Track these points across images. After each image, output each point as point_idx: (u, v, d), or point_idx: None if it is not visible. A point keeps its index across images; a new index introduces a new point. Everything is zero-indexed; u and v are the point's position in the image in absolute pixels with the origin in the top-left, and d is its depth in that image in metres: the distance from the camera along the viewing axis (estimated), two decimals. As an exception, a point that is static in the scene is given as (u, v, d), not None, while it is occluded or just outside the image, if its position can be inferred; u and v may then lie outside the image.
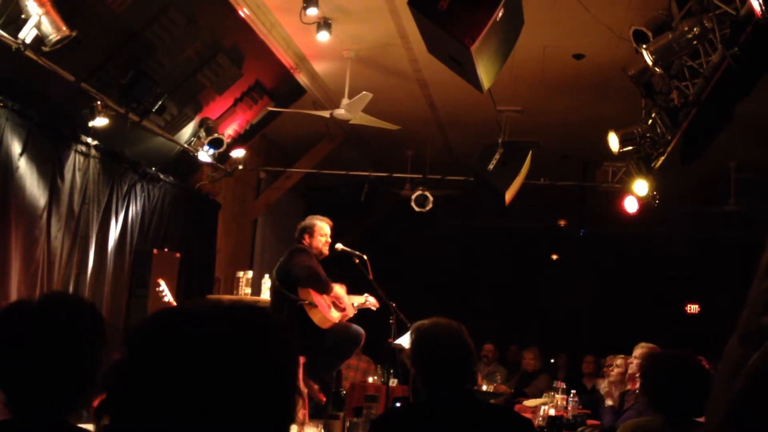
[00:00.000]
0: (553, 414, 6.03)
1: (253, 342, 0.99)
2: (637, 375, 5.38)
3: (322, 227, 6.00)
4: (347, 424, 5.29)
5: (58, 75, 5.38)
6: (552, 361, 10.09)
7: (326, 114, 7.02)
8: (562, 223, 12.61)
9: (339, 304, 5.91)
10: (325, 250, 6.01)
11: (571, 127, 8.52)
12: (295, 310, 5.59)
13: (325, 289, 5.74)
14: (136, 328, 1.03)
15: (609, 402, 5.75)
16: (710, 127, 5.85)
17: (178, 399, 0.93)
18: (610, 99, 7.39)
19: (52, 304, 1.91)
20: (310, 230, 5.98)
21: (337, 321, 5.77)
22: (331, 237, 6.06)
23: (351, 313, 6.05)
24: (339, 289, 5.93)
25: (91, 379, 1.83)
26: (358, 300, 6.15)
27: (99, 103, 5.80)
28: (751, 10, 4.09)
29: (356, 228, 10.89)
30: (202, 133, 7.26)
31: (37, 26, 4.77)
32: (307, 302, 5.62)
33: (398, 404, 5.44)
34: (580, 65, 6.87)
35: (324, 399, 5.68)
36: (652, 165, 7.11)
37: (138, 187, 6.94)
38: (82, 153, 6.13)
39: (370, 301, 6.21)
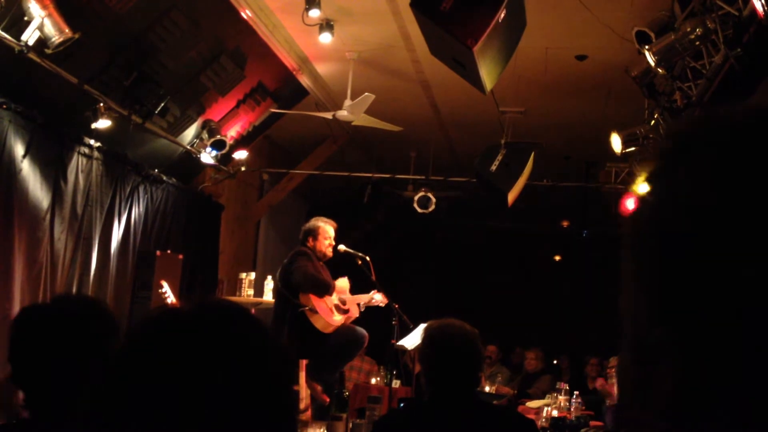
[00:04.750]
0: (557, 415, 6.02)
1: (230, 343, 0.96)
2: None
3: (327, 230, 5.98)
4: (350, 425, 5.28)
5: (61, 77, 5.39)
6: (555, 362, 10.08)
7: (329, 115, 7.02)
8: (565, 224, 12.60)
9: (342, 306, 5.89)
10: (329, 253, 5.99)
11: (574, 128, 8.51)
12: (297, 315, 5.59)
13: (324, 293, 5.72)
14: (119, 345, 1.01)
15: (609, 401, 5.75)
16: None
17: (164, 405, 0.91)
18: (612, 100, 7.38)
19: (65, 304, 1.99)
20: (314, 233, 5.97)
21: (339, 324, 5.76)
22: (335, 239, 6.05)
23: (356, 314, 6.01)
24: (343, 282, 5.89)
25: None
26: (363, 299, 6.11)
27: (102, 105, 5.80)
28: (754, 10, 4.08)
29: (359, 229, 10.90)
30: (205, 135, 7.26)
31: (40, 28, 4.77)
32: (308, 308, 5.60)
33: (402, 405, 5.43)
34: (582, 66, 6.87)
35: (327, 400, 5.68)
36: (655, 166, 7.10)
37: (141, 189, 6.95)
38: (85, 155, 6.14)
39: (377, 298, 6.09)
